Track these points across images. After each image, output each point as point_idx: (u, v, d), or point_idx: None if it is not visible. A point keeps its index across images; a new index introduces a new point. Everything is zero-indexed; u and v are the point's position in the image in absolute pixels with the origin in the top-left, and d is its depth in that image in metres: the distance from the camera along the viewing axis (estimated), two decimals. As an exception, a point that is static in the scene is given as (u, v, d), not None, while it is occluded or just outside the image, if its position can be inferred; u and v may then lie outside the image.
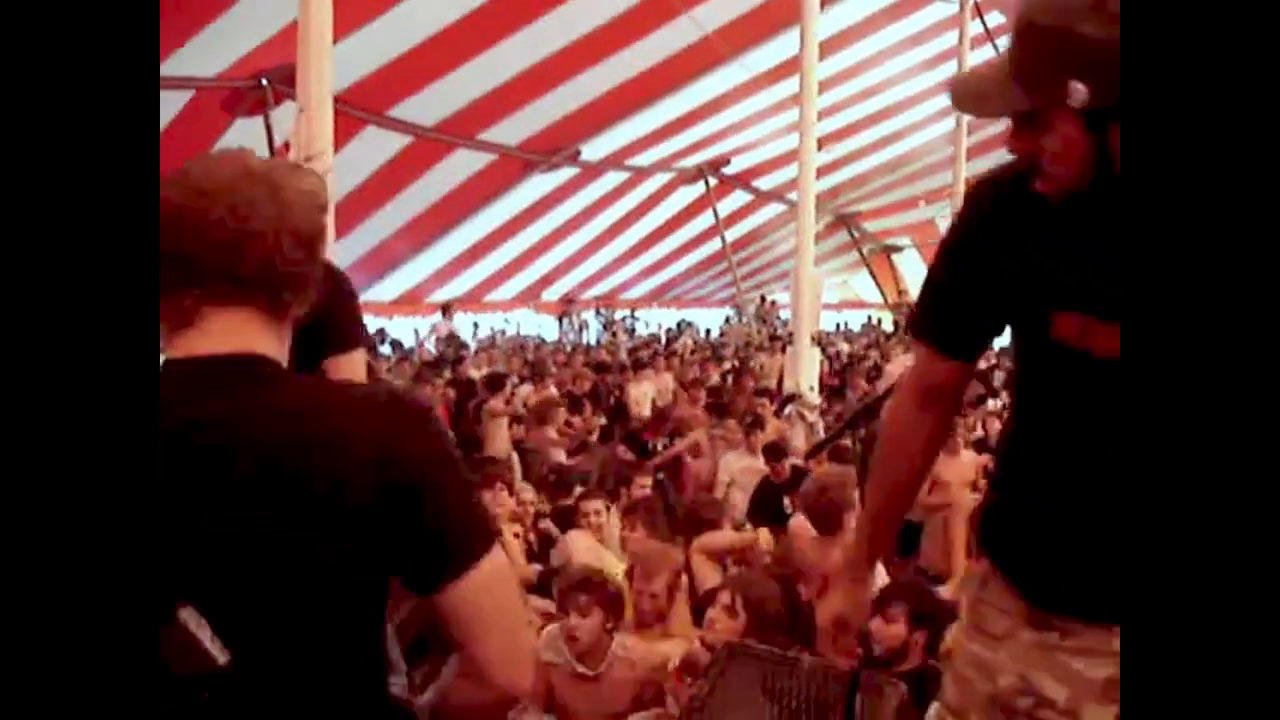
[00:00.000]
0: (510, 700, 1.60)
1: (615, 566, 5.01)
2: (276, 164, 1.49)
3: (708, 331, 23.78)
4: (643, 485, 6.69)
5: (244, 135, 10.11)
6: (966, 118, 11.86)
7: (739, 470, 7.68)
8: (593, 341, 20.65)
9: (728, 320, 24.40)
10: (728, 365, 14.95)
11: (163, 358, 1.43)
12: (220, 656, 1.32)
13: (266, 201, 1.42)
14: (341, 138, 11.24)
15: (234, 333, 1.43)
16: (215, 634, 1.33)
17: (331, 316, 2.83)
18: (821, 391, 11.33)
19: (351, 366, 3.03)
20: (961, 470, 6.87)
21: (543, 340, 19.67)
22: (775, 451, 7.13)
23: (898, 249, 28.24)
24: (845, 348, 18.27)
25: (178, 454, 1.33)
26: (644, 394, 11.58)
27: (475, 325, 18.99)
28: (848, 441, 6.74)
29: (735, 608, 4.04)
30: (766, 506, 6.78)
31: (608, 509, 5.89)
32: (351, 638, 1.45)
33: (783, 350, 12.65)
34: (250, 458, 1.35)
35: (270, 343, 1.47)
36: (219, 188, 1.41)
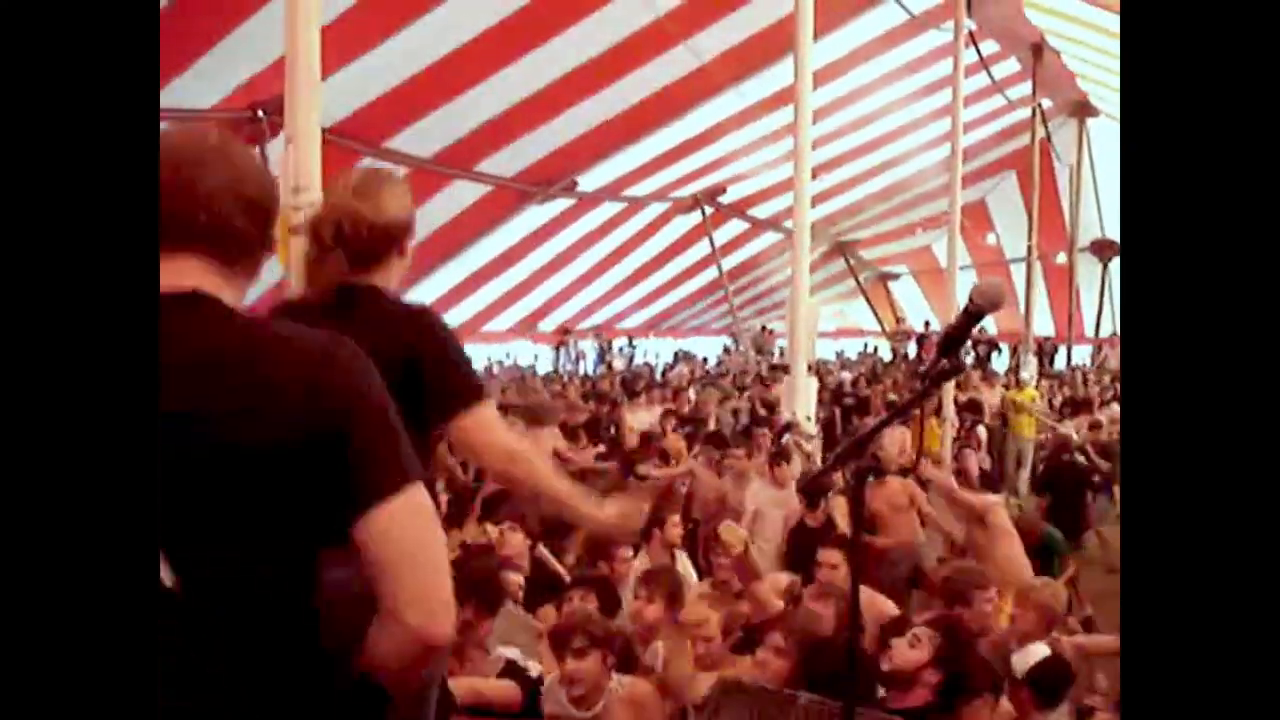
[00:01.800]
0: (429, 650, 1.50)
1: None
2: (236, 142, 1.65)
3: (705, 359, 23.77)
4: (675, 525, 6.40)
5: (240, 167, 10.12)
6: (962, 144, 11.87)
7: (766, 501, 7.50)
8: (590, 371, 20.61)
9: (726, 350, 24.38)
10: (734, 402, 14.74)
11: None
12: (167, 578, 1.38)
13: (218, 169, 1.55)
14: (338, 169, 11.24)
15: (184, 275, 1.52)
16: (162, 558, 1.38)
17: (424, 369, 2.50)
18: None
19: (479, 426, 2.54)
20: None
21: (534, 372, 19.58)
22: (812, 493, 6.68)
23: (894, 276, 28.28)
24: (846, 376, 18.24)
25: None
26: (640, 423, 11.51)
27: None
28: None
29: (787, 649, 3.97)
30: (800, 552, 6.33)
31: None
32: (281, 569, 1.47)
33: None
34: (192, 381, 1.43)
35: (219, 288, 1.56)
36: (177, 152, 1.54)
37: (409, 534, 1.47)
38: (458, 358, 2.65)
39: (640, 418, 11.81)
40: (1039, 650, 3.93)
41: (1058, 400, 15.71)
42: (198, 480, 1.41)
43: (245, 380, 1.45)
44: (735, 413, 13.27)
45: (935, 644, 3.78)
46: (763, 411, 12.10)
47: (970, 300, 2.23)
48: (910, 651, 3.76)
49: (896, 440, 9.84)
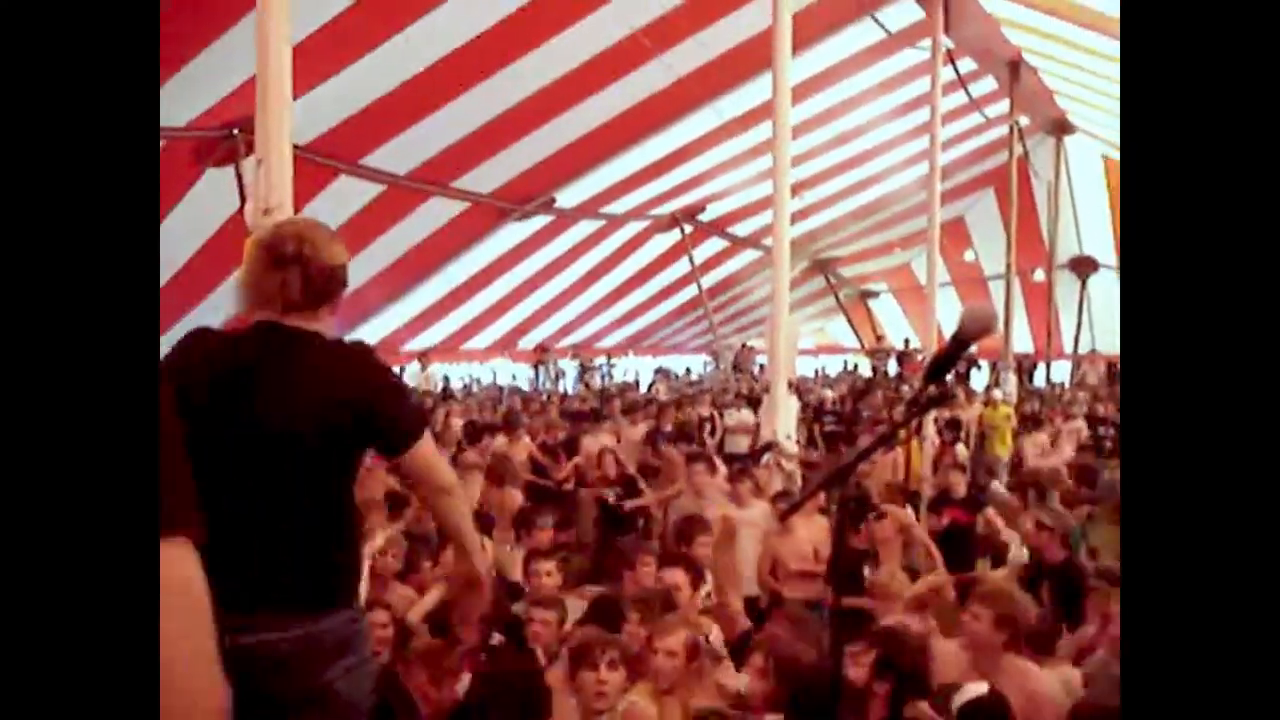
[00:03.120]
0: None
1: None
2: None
3: (688, 370, 23.78)
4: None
5: (214, 186, 10.05)
6: (940, 162, 11.91)
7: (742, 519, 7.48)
8: (569, 390, 20.55)
9: (705, 367, 24.40)
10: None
11: None
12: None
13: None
14: (313, 187, 11.28)
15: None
16: None
17: (375, 408, 2.69)
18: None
19: (424, 458, 2.81)
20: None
21: (518, 389, 19.50)
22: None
23: (874, 294, 28.38)
24: (829, 394, 18.22)
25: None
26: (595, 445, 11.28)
27: (445, 378, 18.79)
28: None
29: (766, 670, 3.91)
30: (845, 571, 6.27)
31: None
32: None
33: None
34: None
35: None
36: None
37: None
38: (404, 393, 3.01)
39: (600, 439, 11.42)
40: (974, 688, 3.84)
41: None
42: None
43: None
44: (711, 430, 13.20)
45: (873, 656, 3.80)
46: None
47: (960, 327, 2.19)
48: (852, 670, 3.75)
49: (888, 464, 9.78)
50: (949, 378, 2.26)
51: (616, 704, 3.83)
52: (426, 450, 2.79)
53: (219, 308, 10.81)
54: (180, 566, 1.38)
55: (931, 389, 2.22)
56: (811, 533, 6.60)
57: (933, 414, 11.13)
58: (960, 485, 9.04)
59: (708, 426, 13.22)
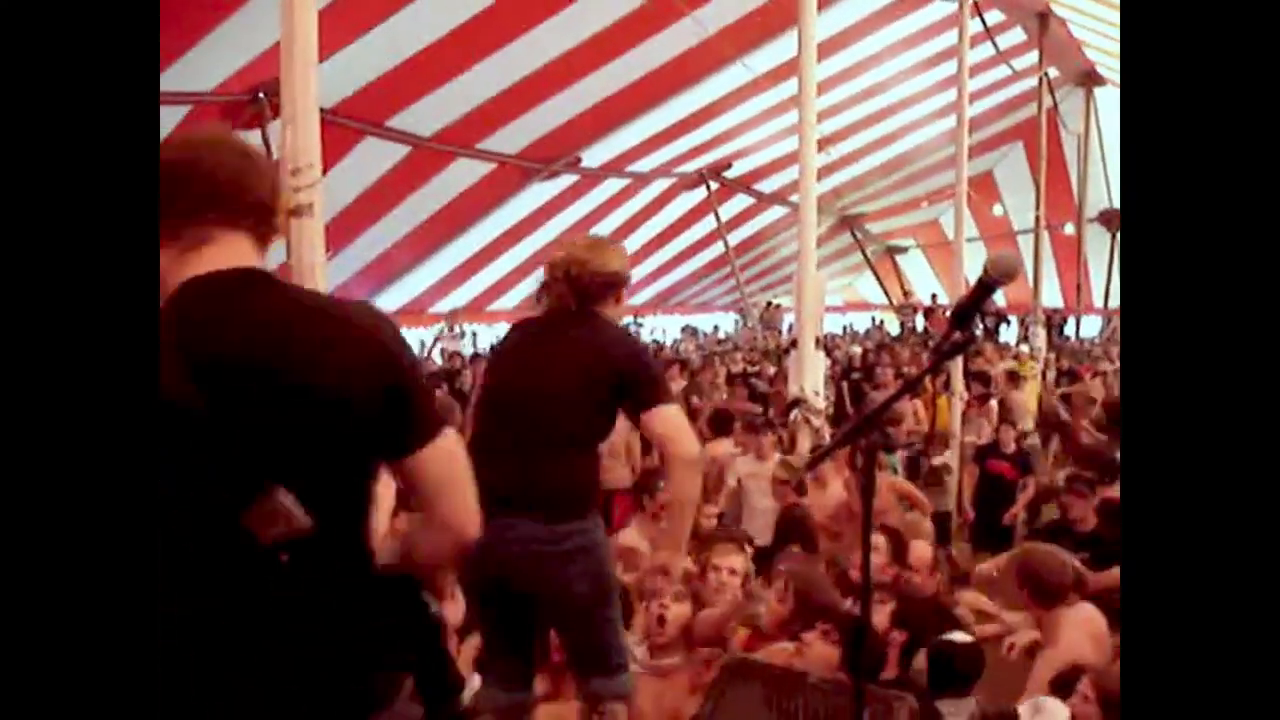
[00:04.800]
0: (464, 546, 1.99)
1: None
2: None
3: (716, 327, 23.72)
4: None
5: (242, 149, 10.10)
6: (968, 115, 11.79)
7: (747, 473, 7.62)
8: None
9: (735, 325, 24.36)
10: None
11: (188, 274, 1.77)
12: (306, 521, 1.68)
13: (249, 155, 1.87)
14: (340, 149, 11.31)
15: (241, 255, 1.82)
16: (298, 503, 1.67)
17: (629, 378, 3.51)
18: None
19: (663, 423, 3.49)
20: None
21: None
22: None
23: (901, 250, 28.21)
24: (856, 350, 18.18)
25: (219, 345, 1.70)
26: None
27: (474, 334, 18.93)
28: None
29: (786, 597, 4.03)
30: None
31: None
32: (353, 504, 1.84)
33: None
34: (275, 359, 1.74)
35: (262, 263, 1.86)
36: (219, 144, 1.86)
37: (451, 465, 1.91)
38: (652, 365, 3.68)
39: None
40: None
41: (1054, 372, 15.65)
42: (278, 424, 1.70)
43: (313, 343, 1.76)
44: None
45: (892, 606, 3.87)
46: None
47: (985, 272, 2.21)
48: (873, 615, 3.82)
49: (907, 411, 9.81)
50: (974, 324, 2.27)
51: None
52: (670, 412, 3.46)
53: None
54: (458, 443, 1.93)
55: (956, 334, 2.24)
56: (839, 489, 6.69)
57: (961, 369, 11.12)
58: (1009, 440, 9.17)
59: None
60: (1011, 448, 9.18)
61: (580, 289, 3.57)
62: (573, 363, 3.46)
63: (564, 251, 3.62)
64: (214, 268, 1.78)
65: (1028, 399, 12.93)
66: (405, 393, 1.82)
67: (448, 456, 1.90)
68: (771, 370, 14.45)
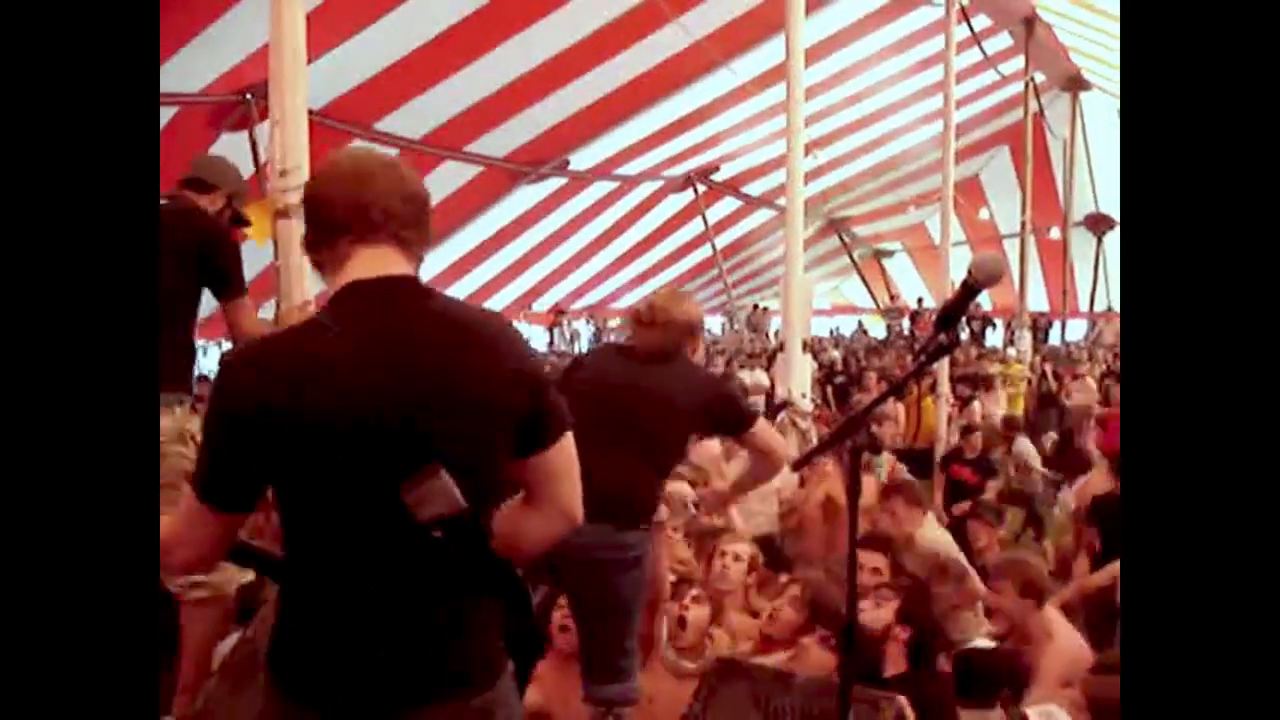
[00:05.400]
0: (572, 528, 2.17)
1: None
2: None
3: (707, 331, 23.65)
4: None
5: (228, 151, 10.06)
6: (955, 120, 11.83)
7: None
8: (584, 351, 20.59)
9: (722, 329, 24.35)
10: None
11: (340, 283, 1.95)
12: (463, 500, 1.83)
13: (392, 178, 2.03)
14: (328, 151, 11.20)
15: (389, 264, 1.98)
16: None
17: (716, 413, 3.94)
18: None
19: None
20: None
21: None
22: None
23: (888, 253, 28.25)
24: (838, 355, 18.22)
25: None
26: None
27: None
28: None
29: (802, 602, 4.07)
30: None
31: None
32: (492, 492, 2.02)
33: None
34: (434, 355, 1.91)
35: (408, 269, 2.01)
36: (360, 165, 2.05)
37: (570, 460, 2.08)
38: (735, 400, 4.17)
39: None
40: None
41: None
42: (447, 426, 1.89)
43: (474, 352, 1.94)
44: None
45: (897, 603, 3.88)
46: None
47: (969, 274, 2.23)
48: (877, 610, 3.84)
49: (889, 415, 9.81)
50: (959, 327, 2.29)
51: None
52: (766, 430, 4.10)
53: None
54: (572, 440, 2.09)
55: (941, 337, 2.26)
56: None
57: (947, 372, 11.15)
58: (974, 445, 9.14)
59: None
60: (975, 453, 9.18)
61: (670, 339, 3.94)
62: (671, 398, 3.84)
63: (644, 304, 4.08)
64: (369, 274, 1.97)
65: (1013, 404, 12.99)
66: (543, 396, 2.01)
67: (569, 452, 2.08)
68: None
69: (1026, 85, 16.77)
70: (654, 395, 3.83)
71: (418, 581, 1.92)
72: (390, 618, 1.91)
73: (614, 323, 22.26)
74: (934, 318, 2.33)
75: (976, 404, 11.69)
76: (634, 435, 3.76)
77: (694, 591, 4.15)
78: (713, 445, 7.82)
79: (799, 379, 7.91)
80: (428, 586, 1.92)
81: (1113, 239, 23.28)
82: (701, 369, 4.21)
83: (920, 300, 25.79)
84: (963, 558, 5.78)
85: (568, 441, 2.08)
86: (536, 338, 21.27)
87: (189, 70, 9.19)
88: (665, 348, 3.92)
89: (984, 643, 3.90)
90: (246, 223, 4.44)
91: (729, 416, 3.95)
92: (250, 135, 9.82)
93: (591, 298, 21.52)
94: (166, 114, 9.56)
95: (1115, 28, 13.39)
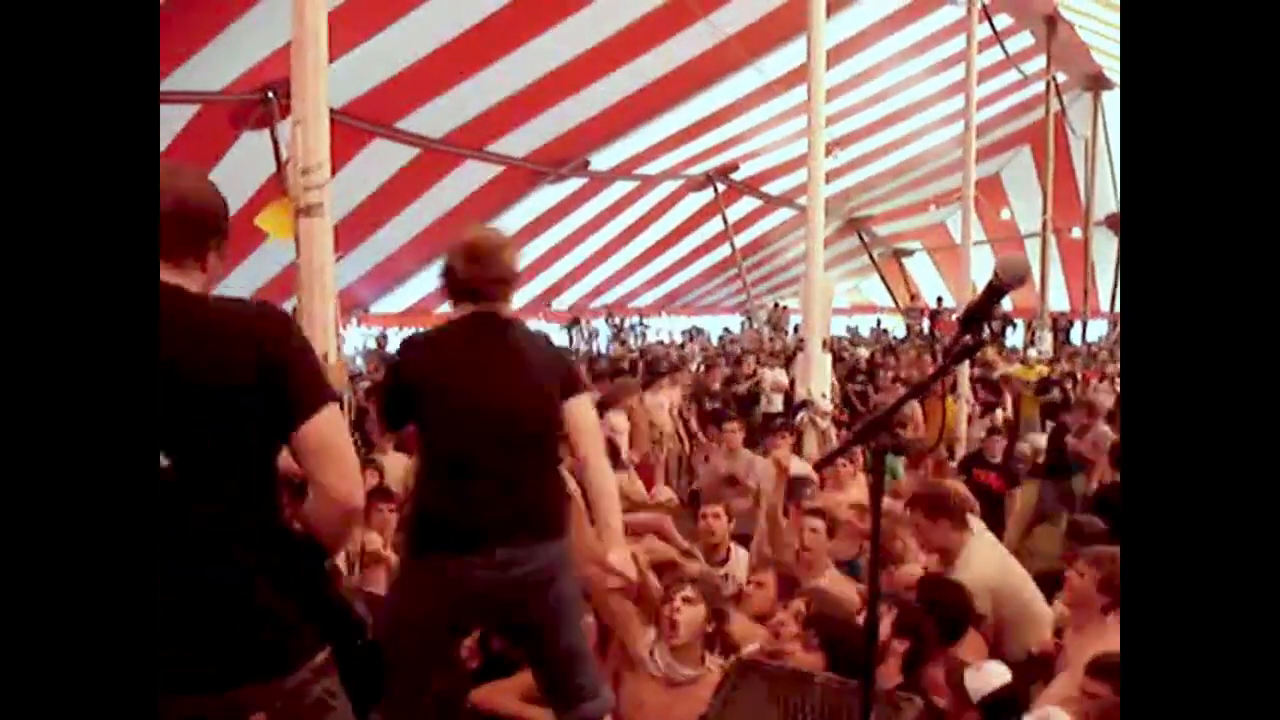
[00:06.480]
0: (352, 515, 2.19)
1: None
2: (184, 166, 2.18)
3: (726, 329, 23.71)
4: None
5: (250, 149, 10.12)
6: (976, 119, 11.81)
7: (764, 475, 7.56)
8: (603, 350, 20.59)
9: (742, 327, 24.33)
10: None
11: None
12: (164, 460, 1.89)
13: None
14: (349, 150, 11.32)
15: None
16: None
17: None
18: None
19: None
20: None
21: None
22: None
23: (908, 252, 28.19)
24: (862, 353, 18.15)
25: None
26: (658, 405, 11.40)
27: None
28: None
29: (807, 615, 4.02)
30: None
31: None
32: (249, 466, 2.06)
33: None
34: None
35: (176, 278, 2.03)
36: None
37: (334, 435, 2.09)
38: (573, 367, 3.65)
39: (658, 399, 11.54)
40: (998, 674, 3.83)
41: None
42: (183, 405, 1.93)
43: (206, 339, 1.99)
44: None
45: (894, 614, 3.86)
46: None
47: (994, 275, 2.22)
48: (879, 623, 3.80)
49: (908, 417, 9.77)
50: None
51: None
52: (585, 409, 3.44)
53: (255, 270, 10.92)
54: (339, 414, 2.19)
55: (966, 338, 2.25)
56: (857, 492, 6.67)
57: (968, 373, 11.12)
58: (996, 450, 9.00)
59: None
60: (998, 457, 8.99)
61: (496, 288, 3.34)
62: (527, 372, 3.30)
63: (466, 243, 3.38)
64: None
65: (1028, 406, 12.90)
66: (282, 373, 2.04)
67: (329, 426, 2.08)
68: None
69: (1048, 84, 16.73)
70: (519, 373, 3.29)
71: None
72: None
73: (631, 320, 22.26)
74: (955, 317, 2.32)
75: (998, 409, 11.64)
76: (519, 430, 3.26)
77: (685, 592, 3.99)
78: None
79: (819, 379, 7.91)
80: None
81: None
82: (532, 330, 3.62)
83: (940, 300, 25.72)
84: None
85: (329, 414, 2.08)
86: (555, 336, 21.29)
87: (211, 68, 9.23)
88: (486, 304, 3.30)
89: (995, 670, 3.86)
90: None
91: (572, 380, 3.44)
92: (271, 133, 9.85)
93: (610, 297, 21.51)
94: (188, 112, 9.60)
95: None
